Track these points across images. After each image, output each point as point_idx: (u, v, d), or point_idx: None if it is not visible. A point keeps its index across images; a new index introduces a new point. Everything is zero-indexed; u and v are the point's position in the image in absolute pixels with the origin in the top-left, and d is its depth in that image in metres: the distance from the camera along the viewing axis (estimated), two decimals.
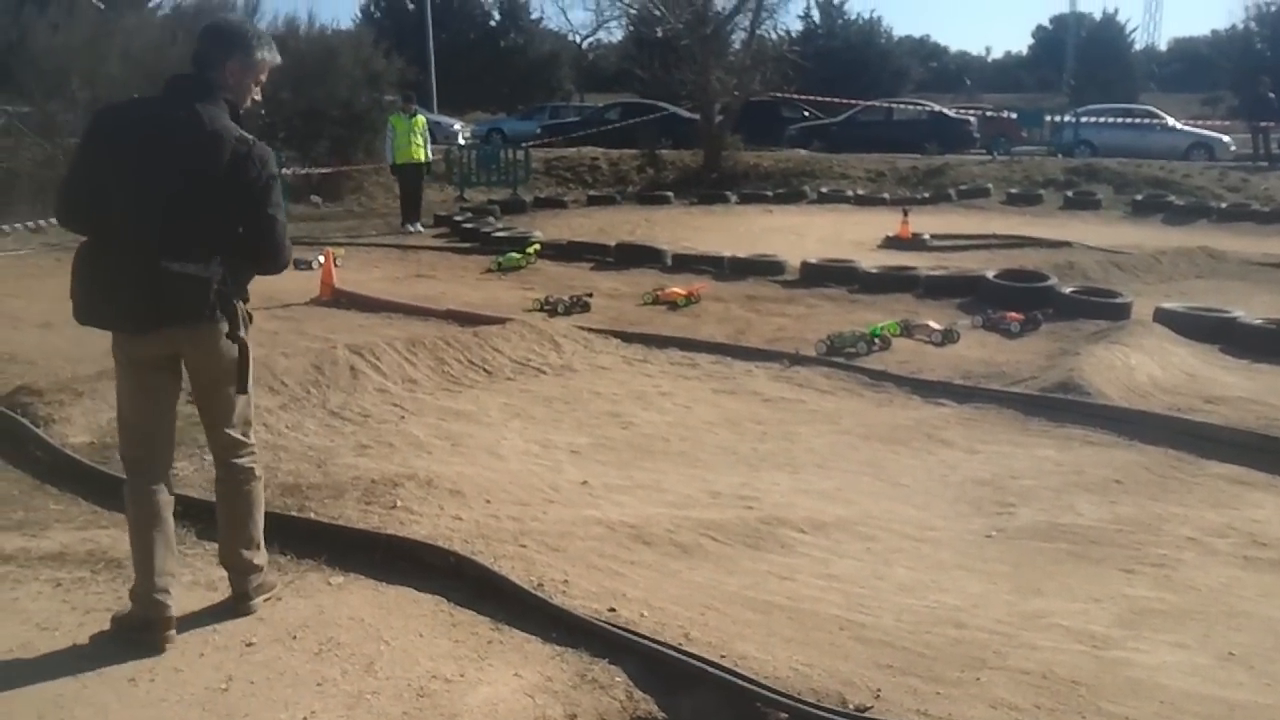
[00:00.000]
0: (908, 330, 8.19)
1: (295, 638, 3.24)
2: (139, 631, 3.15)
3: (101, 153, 3.06)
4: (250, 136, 3.10)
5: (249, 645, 3.22)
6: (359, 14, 47.49)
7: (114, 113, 3.25)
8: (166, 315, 3.05)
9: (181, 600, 3.52)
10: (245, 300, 3.23)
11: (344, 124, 18.75)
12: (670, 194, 19.09)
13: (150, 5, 22.83)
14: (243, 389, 3.24)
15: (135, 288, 3.00)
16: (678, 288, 9.86)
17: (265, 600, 3.47)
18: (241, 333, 3.15)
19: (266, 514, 3.55)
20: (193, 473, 4.85)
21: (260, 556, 3.46)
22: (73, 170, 3.14)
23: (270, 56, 3.24)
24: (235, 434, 3.32)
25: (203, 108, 3.05)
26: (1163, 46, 65.62)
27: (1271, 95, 21.52)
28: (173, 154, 3.00)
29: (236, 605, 3.42)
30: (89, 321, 3.12)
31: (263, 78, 3.27)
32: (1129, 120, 24.99)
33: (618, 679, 3.10)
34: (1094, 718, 2.94)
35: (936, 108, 27.75)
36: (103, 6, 20.38)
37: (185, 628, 3.31)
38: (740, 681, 3.01)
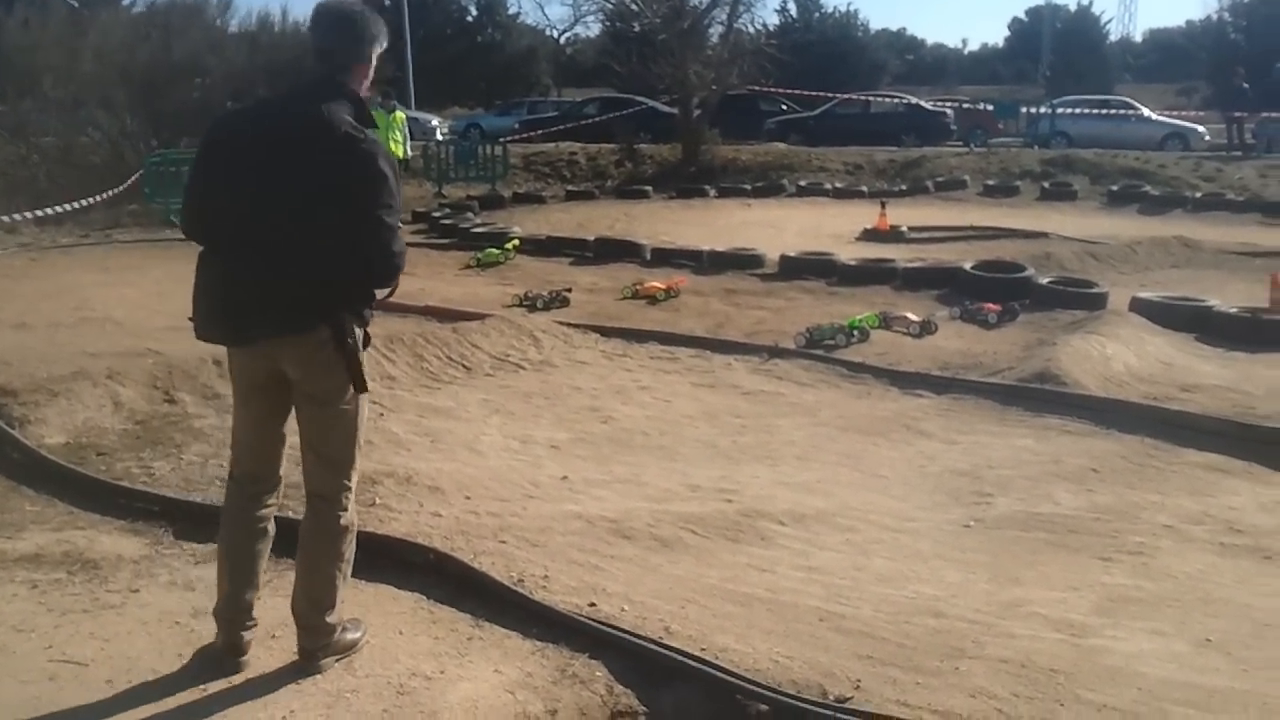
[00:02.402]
0: (886, 322, 8.22)
1: (274, 637, 3.22)
2: (220, 655, 3.06)
3: (212, 159, 2.91)
4: (364, 131, 2.84)
5: None
6: None
7: (228, 117, 3.18)
8: (267, 324, 2.84)
9: (159, 600, 3.52)
10: (362, 314, 2.95)
11: None
12: (649, 188, 19.05)
13: (124, 3, 22.65)
14: (360, 387, 2.93)
15: (238, 296, 2.84)
16: (657, 282, 9.86)
17: (339, 661, 3.12)
18: (349, 340, 2.87)
19: None
20: (169, 472, 4.85)
21: (333, 615, 3.07)
22: (190, 179, 2.99)
23: (383, 37, 3.05)
24: (328, 469, 3.00)
25: (321, 104, 2.83)
26: (1138, 37, 66.21)
27: (1246, 86, 21.68)
28: (276, 155, 2.79)
29: (301, 661, 3.09)
30: (203, 335, 2.93)
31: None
32: (1105, 111, 25.11)
33: (598, 674, 3.10)
34: (1072, 705, 2.97)
35: (913, 100, 27.84)
36: (76, 4, 20.19)
37: (163, 628, 3.30)
38: (721, 674, 3.02)
